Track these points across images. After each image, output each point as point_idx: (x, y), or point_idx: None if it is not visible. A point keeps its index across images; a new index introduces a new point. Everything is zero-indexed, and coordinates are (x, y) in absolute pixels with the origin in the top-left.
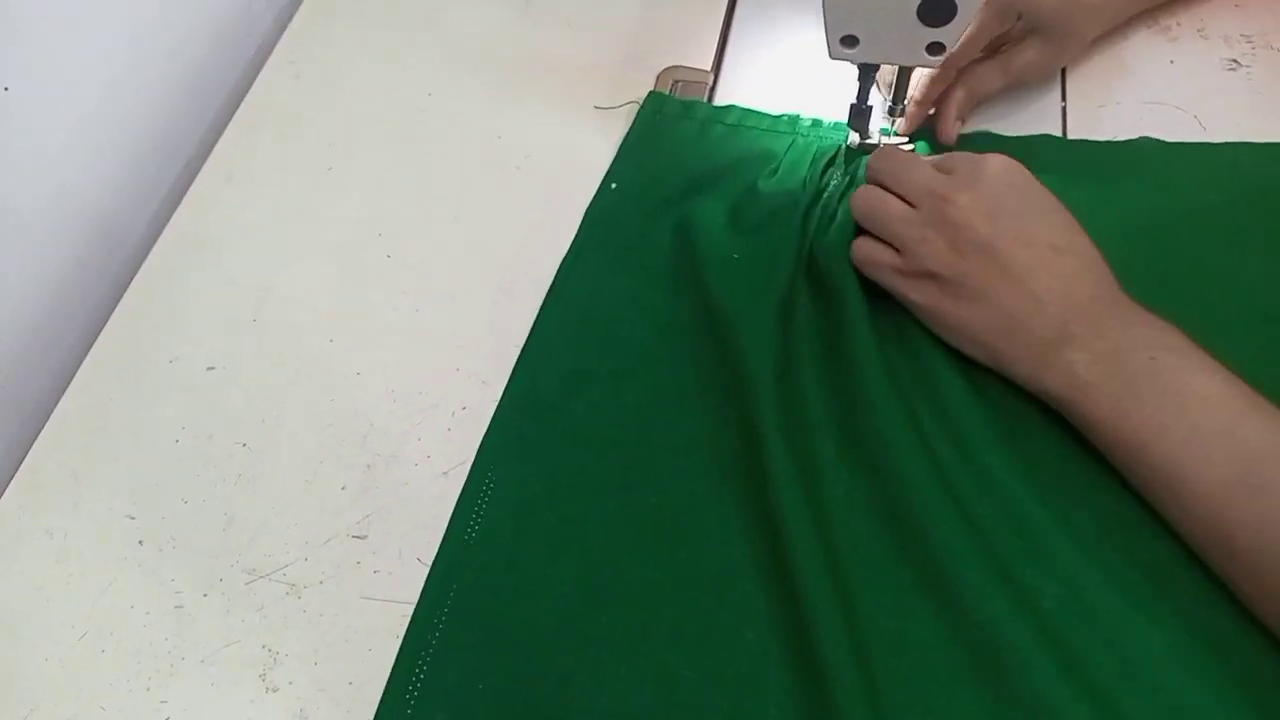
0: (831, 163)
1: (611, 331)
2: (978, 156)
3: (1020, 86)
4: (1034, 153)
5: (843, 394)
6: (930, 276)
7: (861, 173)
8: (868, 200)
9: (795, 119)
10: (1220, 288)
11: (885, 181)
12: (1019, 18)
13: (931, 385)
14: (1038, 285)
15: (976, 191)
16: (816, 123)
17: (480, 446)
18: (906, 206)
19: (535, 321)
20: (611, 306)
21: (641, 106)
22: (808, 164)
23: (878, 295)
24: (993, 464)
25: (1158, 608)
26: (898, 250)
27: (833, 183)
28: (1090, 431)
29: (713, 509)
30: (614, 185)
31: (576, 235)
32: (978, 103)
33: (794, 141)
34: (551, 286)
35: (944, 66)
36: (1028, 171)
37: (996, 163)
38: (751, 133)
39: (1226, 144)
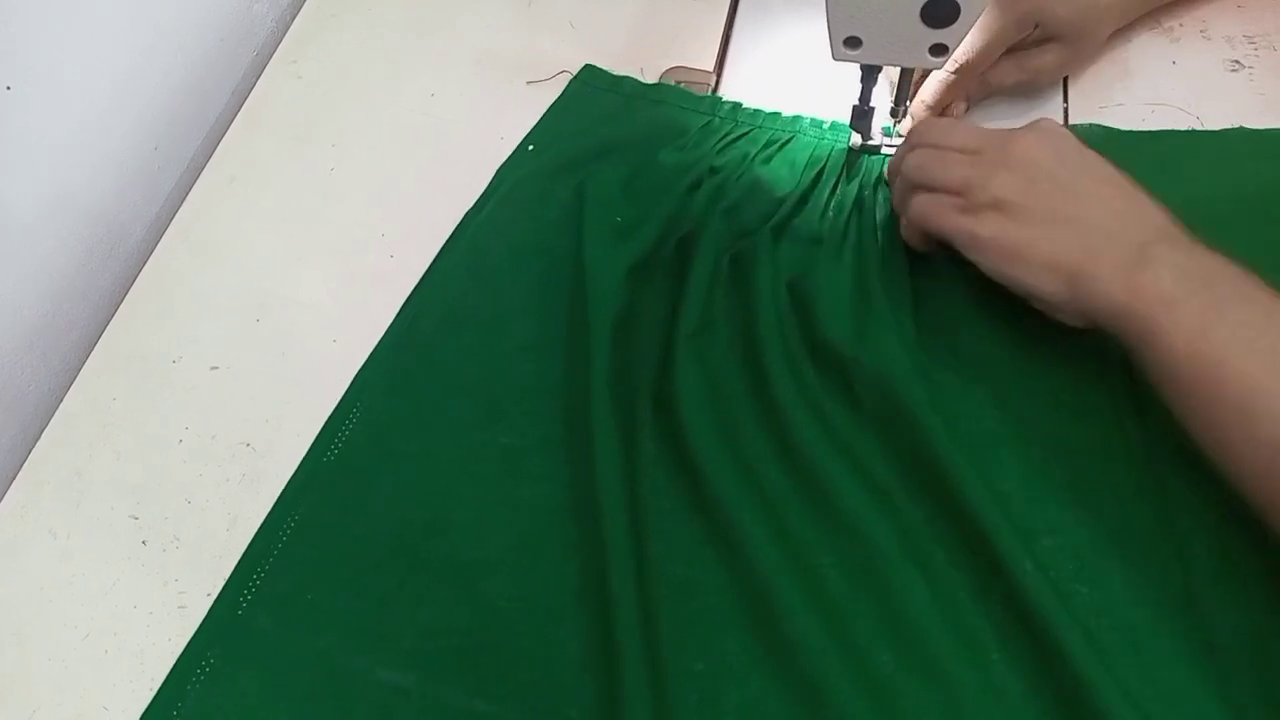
0: (734, 144)
1: (494, 281)
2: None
3: (1030, 87)
4: None
5: (668, 355)
6: (997, 207)
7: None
8: (921, 154)
9: (716, 101)
10: None
11: (937, 142)
12: (1035, 26)
13: (753, 360)
14: (1114, 206)
15: (1039, 137)
16: (736, 106)
17: (355, 376)
18: (964, 155)
19: (430, 264)
20: (499, 257)
21: (574, 77)
22: (712, 142)
23: (735, 284)
24: (795, 431)
25: (914, 569)
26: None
27: (730, 164)
28: (1163, 352)
29: (552, 453)
30: (531, 147)
31: (485, 189)
32: (989, 94)
33: (709, 122)
34: (451, 234)
35: (959, 74)
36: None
37: (1048, 121)
38: (672, 109)
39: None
